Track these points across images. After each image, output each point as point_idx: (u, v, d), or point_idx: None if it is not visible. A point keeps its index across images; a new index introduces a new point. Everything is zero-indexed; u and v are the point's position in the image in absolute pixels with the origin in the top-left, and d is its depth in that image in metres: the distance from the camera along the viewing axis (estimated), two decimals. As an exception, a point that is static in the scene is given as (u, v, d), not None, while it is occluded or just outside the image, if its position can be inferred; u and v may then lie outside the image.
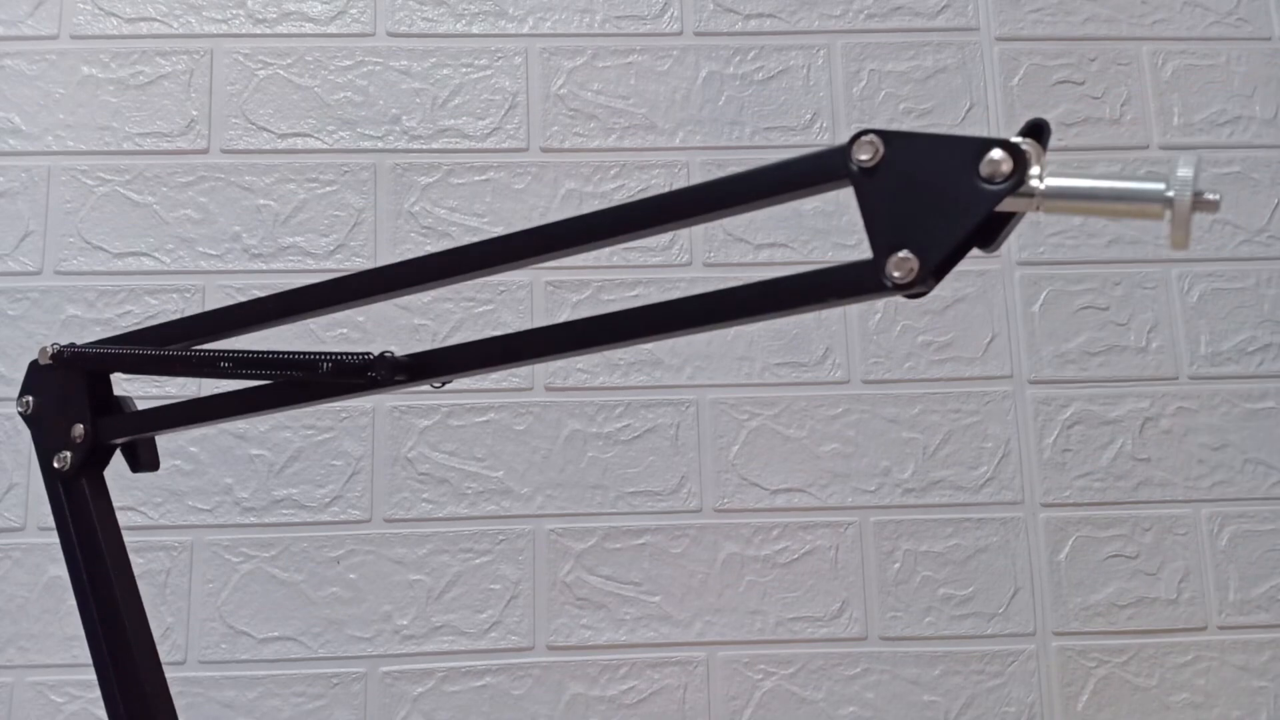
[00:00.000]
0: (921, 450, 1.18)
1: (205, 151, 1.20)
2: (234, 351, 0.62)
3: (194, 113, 1.21)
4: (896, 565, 1.16)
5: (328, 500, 1.14)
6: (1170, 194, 0.38)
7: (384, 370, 0.56)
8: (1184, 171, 0.37)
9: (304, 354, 0.59)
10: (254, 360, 0.61)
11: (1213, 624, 1.16)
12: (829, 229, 1.22)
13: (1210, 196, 0.37)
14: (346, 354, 0.57)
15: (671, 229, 0.50)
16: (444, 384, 0.57)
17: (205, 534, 1.13)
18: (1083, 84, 1.26)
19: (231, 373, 0.62)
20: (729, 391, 1.18)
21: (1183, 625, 1.16)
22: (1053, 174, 0.40)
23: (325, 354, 0.58)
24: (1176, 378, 1.21)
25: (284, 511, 1.14)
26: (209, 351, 0.64)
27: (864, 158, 0.43)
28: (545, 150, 1.22)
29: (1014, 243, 1.22)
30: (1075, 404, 1.20)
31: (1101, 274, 1.22)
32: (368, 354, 0.57)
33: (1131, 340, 1.21)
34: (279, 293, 0.63)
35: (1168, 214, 0.38)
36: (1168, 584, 1.16)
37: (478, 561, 1.14)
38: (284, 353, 0.60)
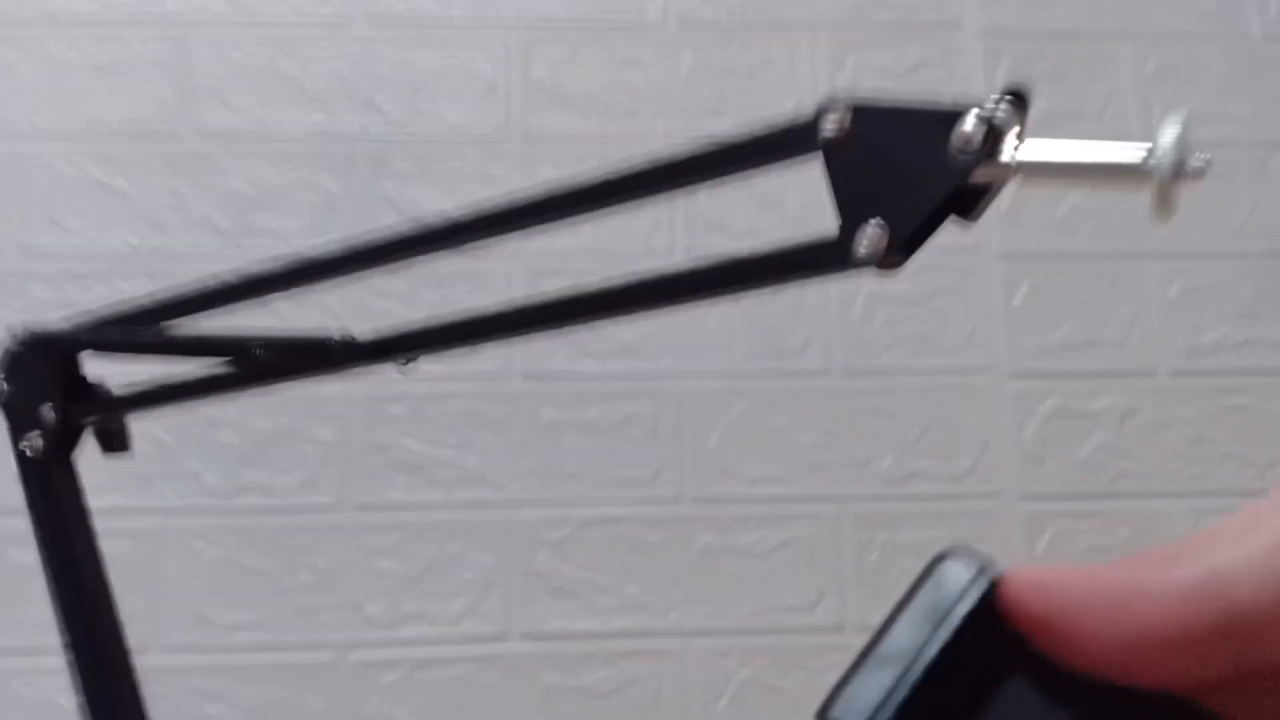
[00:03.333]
0: (900, 441, 1.18)
1: (179, 134, 1.19)
2: (199, 332, 0.61)
3: (168, 95, 1.20)
4: (874, 556, 1.15)
5: (298, 486, 1.13)
6: (1153, 162, 0.37)
7: (344, 349, 0.54)
8: (1167, 138, 0.36)
9: (264, 334, 0.58)
10: (216, 342, 0.60)
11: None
12: (813, 219, 1.21)
13: (1195, 164, 0.36)
14: (305, 333, 0.56)
15: (637, 200, 0.49)
16: (408, 361, 0.55)
17: (173, 520, 1.11)
18: (1065, 80, 1.26)
19: (197, 352, 0.62)
20: (708, 381, 1.17)
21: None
22: (1029, 143, 0.39)
23: (284, 334, 0.57)
24: (1155, 372, 1.20)
25: (253, 498, 1.12)
26: (177, 333, 0.63)
27: (832, 128, 0.42)
28: (525, 137, 1.21)
29: (995, 235, 1.22)
30: (1054, 397, 1.19)
31: (1082, 268, 1.22)
32: (327, 332, 0.56)
33: (1111, 334, 1.21)
34: (247, 273, 0.62)
35: (1151, 183, 0.37)
36: (1144, 578, 1.16)
37: (451, 549, 1.13)
38: (244, 332, 0.59)
